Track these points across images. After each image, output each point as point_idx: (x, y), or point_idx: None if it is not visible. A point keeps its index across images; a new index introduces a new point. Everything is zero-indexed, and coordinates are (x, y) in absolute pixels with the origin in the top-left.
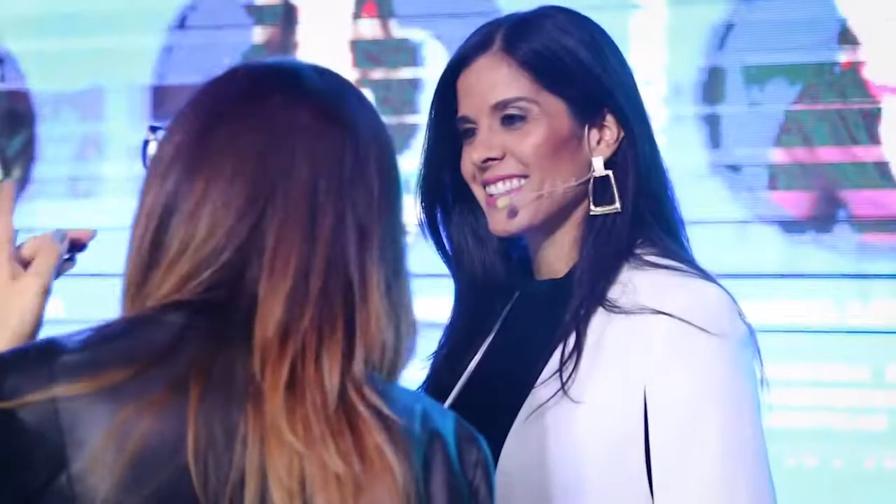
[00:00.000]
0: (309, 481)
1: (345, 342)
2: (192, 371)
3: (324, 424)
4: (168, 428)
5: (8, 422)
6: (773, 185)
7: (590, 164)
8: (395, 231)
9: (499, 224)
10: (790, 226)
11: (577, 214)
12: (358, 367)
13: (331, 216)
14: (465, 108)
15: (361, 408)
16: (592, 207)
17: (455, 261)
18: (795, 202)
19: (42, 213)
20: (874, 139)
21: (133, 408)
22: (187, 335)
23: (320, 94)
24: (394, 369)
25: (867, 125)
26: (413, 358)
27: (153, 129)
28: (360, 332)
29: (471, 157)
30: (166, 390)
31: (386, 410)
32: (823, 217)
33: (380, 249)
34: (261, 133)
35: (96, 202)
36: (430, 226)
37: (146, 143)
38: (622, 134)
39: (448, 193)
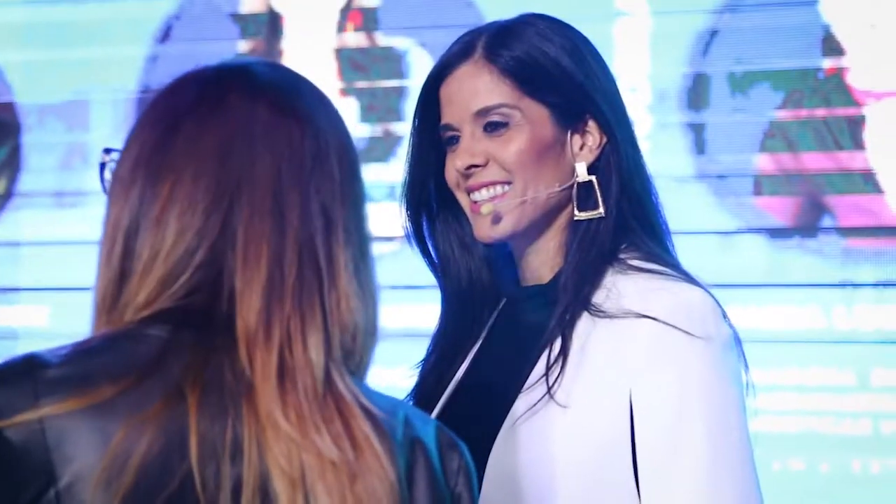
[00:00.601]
0: (308, 471)
1: (323, 325)
2: (187, 380)
3: (315, 411)
4: (169, 439)
5: None
6: (758, 191)
7: (573, 170)
8: (359, 216)
9: (483, 230)
10: (775, 231)
11: (561, 220)
12: (336, 351)
13: (297, 205)
14: (448, 115)
15: (346, 393)
16: (576, 213)
17: (441, 269)
18: (780, 208)
19: (27, 224)
20: (858, 144)
21: (130, 424)
22: (172, 348)
23: (275, 88)
24: (366, 353)
25: (851, 130)
26: (378, 338)
27: (107, 151)
28: (332, 314)
29: (454, 164)
30: (162, 403)
31: (367, 402)
32: (808, 222)
33: (345, 233)
34: (220, 133)
35: (81, 212)
36: (416, 234)
37: (102, 165)
38: (605, 139)
39: (433, 201)
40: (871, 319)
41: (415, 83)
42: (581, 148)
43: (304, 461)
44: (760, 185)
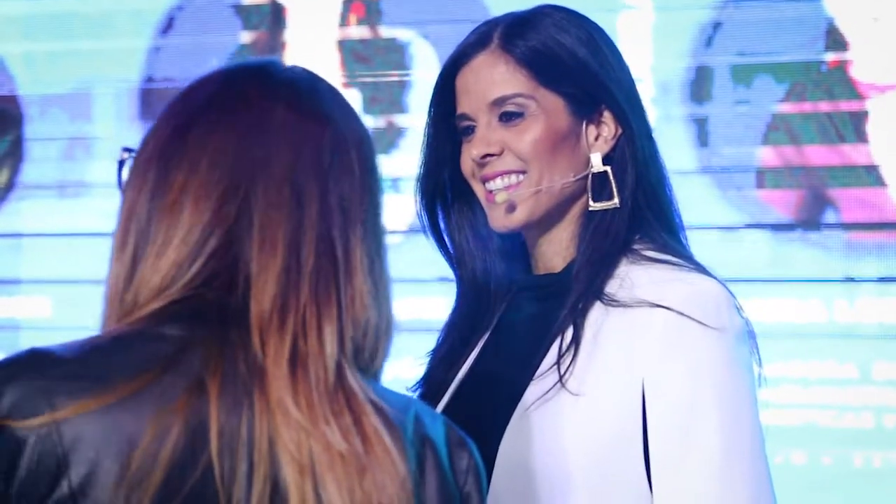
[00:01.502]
0: (317, 461)
1: (337, 318)
2: (206, 372)
3: (325, 402)
4: (192, 431)
5: (5, 437)
6: (760, 184)
7: (588, 160)
8: (376, 213)
9: (498, 220)
10: (778, 224)
11: (576, 210)
12: (348, 345)
13: (315, 198)
14: (464, 105)
15: (356, 388)
16: (591, 203)
17: (456, 259)
18: (783, 201)
19: (29, 215)
20: (862, 138)
21: (156, 420)
22: (188, 345)
23: (293, 87)
24: (378, 351)
25: (855, 124)
26: (393, 337)
27: (127, 150)
28: (346, 309)
29: (470, 153)
30: (185, 397)
31: (376, 398)
32: (811, 216)
33: (363, 229)
34: (237, 127)
35: (84, 203)
36: (431, 224)
37: (121, 163)
38: (620, 130)
39: (447, 192)
40: (874, 313)
41: (418, 75)
42: (596, 138)
43: (314, 450)
44: (763, 178)
